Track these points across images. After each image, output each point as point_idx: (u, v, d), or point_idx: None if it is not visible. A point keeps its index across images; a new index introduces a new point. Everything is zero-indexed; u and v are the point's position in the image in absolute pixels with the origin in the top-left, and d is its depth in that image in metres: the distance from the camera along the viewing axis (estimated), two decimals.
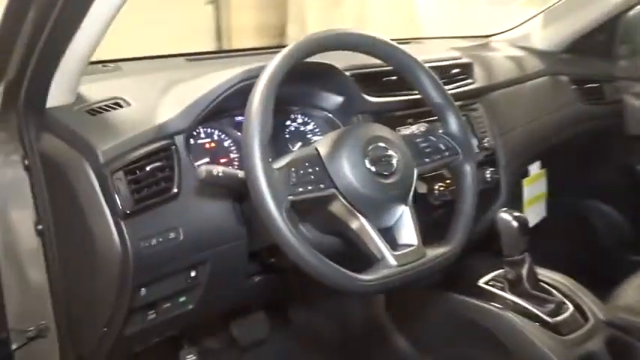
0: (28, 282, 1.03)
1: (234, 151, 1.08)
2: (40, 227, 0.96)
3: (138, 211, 0.84)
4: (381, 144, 0.86)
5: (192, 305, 0.99)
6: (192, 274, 0.96)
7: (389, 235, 0.85)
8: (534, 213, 1.58)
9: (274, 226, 0.74)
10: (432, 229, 1.02)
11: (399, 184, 0.85)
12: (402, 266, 0.81)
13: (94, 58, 1.23)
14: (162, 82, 1.04)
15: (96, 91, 1.01)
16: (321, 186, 0.80)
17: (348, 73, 1.13)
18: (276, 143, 1.11)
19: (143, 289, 0.89)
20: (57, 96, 0.91)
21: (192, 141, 1.02)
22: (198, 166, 0.99)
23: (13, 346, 1.02)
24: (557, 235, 1.85)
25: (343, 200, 0.81)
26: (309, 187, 0.78)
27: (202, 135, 1.04)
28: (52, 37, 0.81)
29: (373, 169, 0.83)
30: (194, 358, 1.23)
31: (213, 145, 1.05)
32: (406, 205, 0.87)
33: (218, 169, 0.80)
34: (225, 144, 1.08)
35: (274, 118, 1.12)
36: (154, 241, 0.85)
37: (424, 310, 1.28)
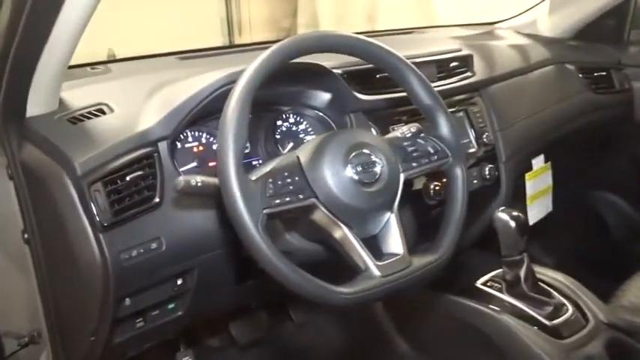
0: (20, 288, 1.04)
1: None
2: (26, 236, 0.96)
3: (117, 222, 0.83)
4: (365, 150, 0.83)
5: (182, 311, 0.98)
6: (179, 282, 0.95)
7: (373, 243, 0.83)
8: (539, 208, 1.54)
9: (249, 241, 0.72)
10: (427, 229, 1.00)
11: (383, 191, 0.83)
12: (386, 277, 0.79)
13: (85, 60, 1.26)
14: (149, 85, 1.02)
15: (80, 96, 0.99)
16: (300, 196, 0.78)
17: (339, 71, 1.11)
18: (267, 145, 1.10)
19: (127, 299, 0.89)
20: (37, 104, 0.90)
21: (178, 145, 1.00)
22: (183, 172, 0.99)
23: (7, 352, 1.03)
24: (565, 229, 1.81)
25: (324, 210, 0.79)
26: (287, 199, 0.76)
27: (190, 138, 1.03)
28: (23, 45, 0.80)
29: (355, 177, 0.81)
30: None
31: (201, 148, 1.03)
32: (392, 212, 0.84)
33: (197, 179, 0.78)
34: (214, 147, 1.05)
35: (264, 119, 1.12)
36: (134, 253, 0.84)
37: (422, 311, 1.26)
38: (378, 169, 0.82)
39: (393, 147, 0.88)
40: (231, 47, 1.51)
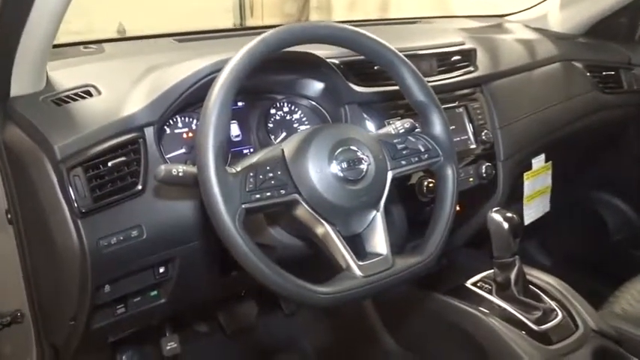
0: (3, 268, 1.03)
1: None
2: (9, 216, 0.95)
3: (97, 209, 0.82)
4: (352, 147, 0.80)
5: (165, 299, 0.97)
6: (161, 270, 0.94)
7: (357, 242, 0.81)
8: (536, 208, 1.52)
9: (226, 237, 0.70)
10: (419, 226, 0.98)
11: (368, 189, 0.80)
12: (368, 277, 0.77)
13: (78, 39, 1.23)
14: (141, 68, 1.00)
15: (68, 77, 0.97)
16: (282, 191, 0.75)
17: (335, 61, 1.09)
18: (259, 133, 1.08)
19: (107, 285, 0.88)
20: (21, 84, 0.88)
21: (167, 130, 0.99)
22: (171, 158, 0.97)
23: None
24: (563, 230, 1.78)
25: (306, 206, 0.77)
26: (268, 194, 0.74)
27: (179, 124, 1.01)
28: (3, 24, 0.78)
29: (340, 174, 0.78)
30: (175, 345, 1.22)
31: (190, 135, 1.01)
32: (377, 211, 0.82)
33: (178, 169, 0.76)
34: None
35: (257, 107, 1.10)
36: (114, 240, 0.83)
37: (409, 308, 1.24)
38: (364, 166, 0.80)
39: (382, 144, 0.85)
40: (231, 30, 1.47)
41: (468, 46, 1.35)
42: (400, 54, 0.88)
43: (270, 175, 0.75)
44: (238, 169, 0.75)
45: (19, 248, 0.97)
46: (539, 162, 1.48)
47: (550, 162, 1.53)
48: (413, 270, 0.81)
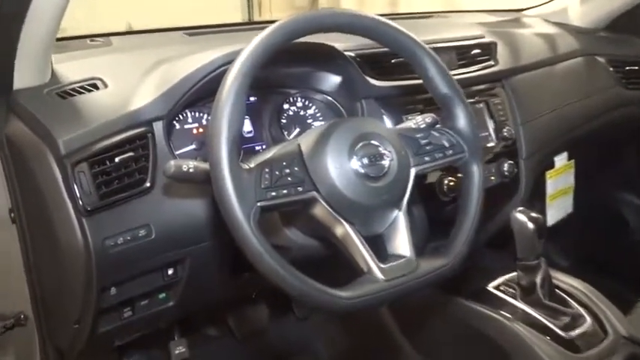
0: (6, 269, 0.99)
1: None
2: (12, 215, 0.91)
3: (103, 207, 0.77)
4: (373, 141, 0.75)
5: (174, 302, 0.93)
6: (170, 271, 0.89)
7: (378, 243, 0.76)
8: (558, 208, 1.46)
9: (240, 236, 0.65)
10: (440, 226, 0.93)
11: (391, 187, 0.75)
12: (390, 281, 0.72)
13: (85, 32, 1.20)
14: (149, 61, 0.96)
15: (75, 69, 0.93)
16: (299, 189, 0.71)
17: (352, 54, 1.04)
18: (272, 129, 1.03)
19: (113, 288, 0.83)
20: (25, 76, 0.84)
21: (177, 125, 0.94)
22: (180, 154, 0.92)
23: None
24: (585, 231, 1.72)
25: (325, 204, 0.72)
26: (285, 191, 0.69)
27: (189, 119, 0.96)
28: (4, 12, 0.74)
29: (361, 170, 0.73)
30: (184, 349, 1.17)
31: (201, 130, 0.97)
32: (400, 210, 0.77)
33: (189, 164, 0.71)
34: None
35: (270, 102, 1.05)
36: (120, 240, 0.78)
37: (428, 313, 1.19)
38: (386, 162, 0.75)
39: (404, 139, 0.80)
40: (243, 24, 1.43)
41: (487, 39, 1.30)
42: (424, 44, 0.83)
43: (287, 171, 0.70)
44: (252, 165, 0.70)
45: (22, 248, 0.93)
46: (561, 160, 1.43)
47: (572, 160, 1.47)
48: (439, 273, 0.76)
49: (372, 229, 0.76)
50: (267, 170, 0.69)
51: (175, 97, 0.87)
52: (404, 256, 0.75)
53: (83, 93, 0.87)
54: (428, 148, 0.81)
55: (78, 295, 0.81)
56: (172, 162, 0.71)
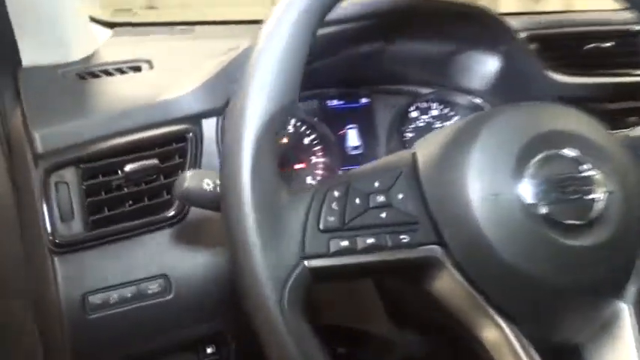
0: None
1: (320, 153, 0.68)
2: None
3: (89, 241, 0.48)
4: (567, 151, 0.37)
5: None
6: (209, 350, 0.57)
7: None
8: None
9: (260, 323, 0.31)
10: None
11: (608, 249, 0.36)
12: None
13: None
14: (223, 48, 0.70)
15: (127, 50, 0.70)
16: (403, 237, 0.34)
17: (523, 34, 0.70)
18: (391, 145, 0.73)
19: None
20: (37, 51, 0.62)
21: None
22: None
23: None
24: None
25: (459, 276, 0.35)
26: (370, 240, 0.34)
27: None
28: None
29: (543, 209, 0.35)
30: None
31: (284, 139, 0.67)
32: (622, 299, 0.37)
33: (215, 181, 0.40)
34: (306, 141, 0.69)
35: (389, 107, 0.72)
36: (114, 297, 0.48)
37: None
38: (599, 194, 0.36)
39: (634, 152, 0.40)
40: None
41: None
42: None
43: (381, 199, 0.35)
44: (307, 186, 0.36)
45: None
46: None
47: None
48: None
49: (559, 335, 0.36)
50: (336, 195, 0.34)
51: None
52: None
53: (113, 74, 0.61)
54: None
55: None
56: (188, 174, 0.41)
